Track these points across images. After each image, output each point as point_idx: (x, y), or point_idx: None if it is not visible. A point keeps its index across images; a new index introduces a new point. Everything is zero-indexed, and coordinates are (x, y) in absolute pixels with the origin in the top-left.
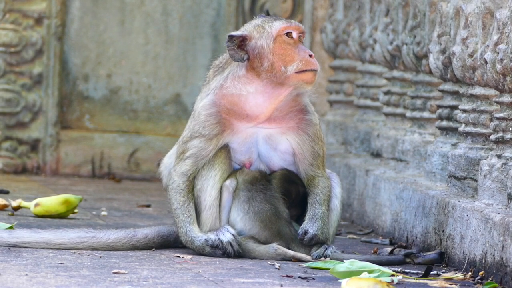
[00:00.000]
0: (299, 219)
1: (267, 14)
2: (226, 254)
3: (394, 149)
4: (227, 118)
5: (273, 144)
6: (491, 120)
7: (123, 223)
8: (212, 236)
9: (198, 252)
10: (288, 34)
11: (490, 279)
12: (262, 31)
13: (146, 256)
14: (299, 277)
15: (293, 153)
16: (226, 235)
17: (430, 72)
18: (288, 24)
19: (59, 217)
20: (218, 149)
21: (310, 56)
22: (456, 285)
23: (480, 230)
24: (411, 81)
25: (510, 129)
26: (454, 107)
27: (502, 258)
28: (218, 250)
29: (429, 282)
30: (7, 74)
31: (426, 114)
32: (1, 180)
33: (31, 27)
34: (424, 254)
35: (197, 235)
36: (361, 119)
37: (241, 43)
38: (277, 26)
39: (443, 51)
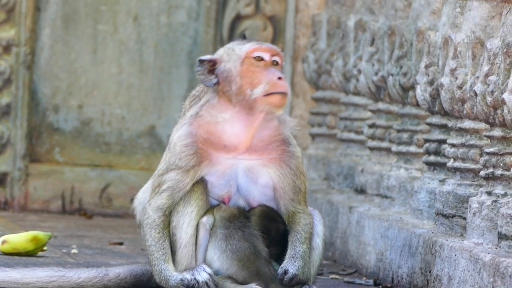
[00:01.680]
0: (279, 258)
1: (244, 37)
2: None
3: (379, 185)
4: (204, 149)
5: (253, 177)
6: (481, 155)
7: (95, 261)
8: (187, 276)
9: None
10: (258, 57)
11: None
12: (232, 54)
13: None
14: None
15: (273, 187)
16: (202, 275)
17: (417, 105)
18: (257, 45)
19: (27, 255)
20: (195, 181)
21: (280, 78)
22: None
23: (469, 271)
24: (397, 113)
25: (501, 164)
26: (442, 141)
27: None
28: None
29: None
30: None
31: (412, 149)
32: None
33: None
34: None
35: (171, 274)
36: (345, 153)
37: (212, 67)
38: (246, 48)
39: (430, 83)
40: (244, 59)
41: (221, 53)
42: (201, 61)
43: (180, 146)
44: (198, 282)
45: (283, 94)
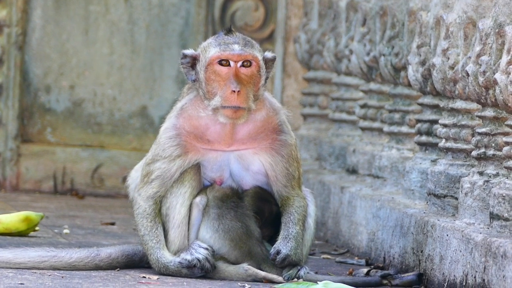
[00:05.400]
0: (272, 239)
1: (229, 30)
2: (204, 271)
3: (371, 165)
4: (188, 141)
5: (245, 164)
6: (472, 135)
7: (86, 241)
8: (187, 257)
9: (174, 275)
10: (222, 62)
11: None
12: (204, 54)
13: (110, 277)
14: None
15: (265, 173)
16: (201, 252)
17: (409, 85)
18: (221, 52)
19: (19, 235)
20: (186, 168)
21: (234, 91)
22: None
23: (460, 251)
24: (389, 94)
25: (493, 145)
26: (434, 122)
27: (483, 280)
28: (196, 269)
29: None
30: None
31: (404, 129)
32: None
33: None
34: (402, 275)
35: (169, 260)
36: (336, 134)
37: (194, 61)
38: (211, 53)
39: (422, 63)
40: (207, 66)
41: (201, 48)
42: (185, 55)
43: (164, 138)
44: (199, 260)
45: (235, 108)
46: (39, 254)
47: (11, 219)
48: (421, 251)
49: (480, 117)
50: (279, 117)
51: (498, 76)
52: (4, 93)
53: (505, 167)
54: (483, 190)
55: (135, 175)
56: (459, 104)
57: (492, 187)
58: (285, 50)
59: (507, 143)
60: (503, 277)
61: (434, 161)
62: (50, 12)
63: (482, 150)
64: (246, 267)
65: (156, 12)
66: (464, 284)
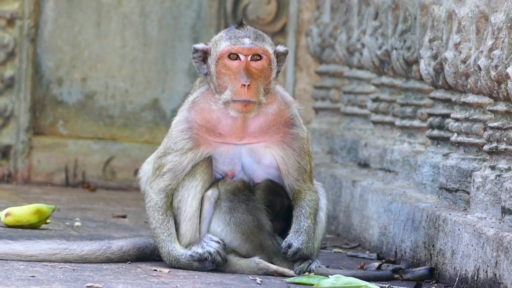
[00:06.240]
0: (283, 233)
1: (240, 24)
2: (215, 264)
3: (383, 159)
4: (200, 134)
5: (256, 157)
6: (484, 129)
7: (98, 234)
8: (199, 250)
9: (185, 268)
10: (232, 56)
11: None
12: (214, 48)
13: (122, 270)
14: None
15: (277, 167)
16: (212, 245)
17: (421, 79)
18: (231, 46)
19: (31, 228)
20: (197, 161)
21: (244, 85)
22: None
23: (472, 245)
24: (401, 87)
25: (505, 139)
26: (446, 116)
27: (495, 274)
28: (207, 262)
29: None
30: None
31: (416, 123)
32: None
33: (3, 28)
34: (413, 269)
35: (180, 253)
36: (348, 127)
37: (205, 55)
38: (221, 47)
39: (434, 57)
40: (218, 60)
41: (212, 42)
42: (196, 49)
43: (176, 132)
44: (210, 253)
45: (246, 102)
46: (51, 246)
47: (23, 212)
48: (433, 246)
49: (492, 111)
50: (290, 111)
51: (510, 70)
52: (16, 86)
53: None
54: (495, 185)
55: (146, 168)
56: (471, 98)
57: (504, 181)
58: (297, 44)
59: None
60: None
61: (445, 155)
62: (62, 5)
63: (494, 144)
64: (258, 261)
65: (168, 5)
66: (475, 278)
